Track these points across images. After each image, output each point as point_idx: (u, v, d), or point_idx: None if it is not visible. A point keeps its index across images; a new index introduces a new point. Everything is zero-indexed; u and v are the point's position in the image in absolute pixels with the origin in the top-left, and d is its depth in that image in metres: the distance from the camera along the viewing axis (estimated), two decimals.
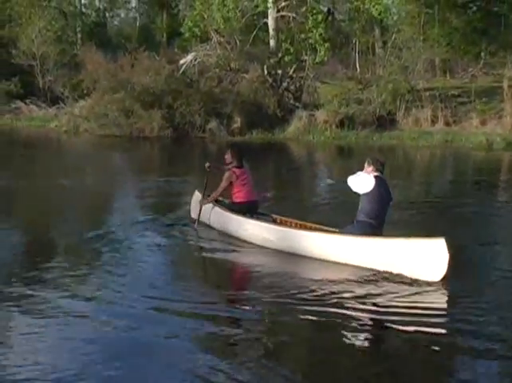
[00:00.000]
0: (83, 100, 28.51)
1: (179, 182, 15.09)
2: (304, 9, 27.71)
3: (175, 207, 11.49)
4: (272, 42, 28.78)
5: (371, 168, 8.09)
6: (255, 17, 30.11)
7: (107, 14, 49.84)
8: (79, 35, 41.41)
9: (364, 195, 7.89)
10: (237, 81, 27.74)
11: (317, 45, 27.19)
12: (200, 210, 9.55)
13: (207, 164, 9.57)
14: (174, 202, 12.23)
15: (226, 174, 9.30)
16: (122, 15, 52.69)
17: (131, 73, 27.17)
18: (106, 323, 5.86)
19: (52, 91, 32.34)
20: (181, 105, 25.51)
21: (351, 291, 6.90)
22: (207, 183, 9.61)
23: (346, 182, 8.10)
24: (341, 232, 8.05)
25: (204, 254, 8.64)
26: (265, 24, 29.17)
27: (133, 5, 50.41)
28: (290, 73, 28.36)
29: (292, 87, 28.80)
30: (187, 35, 29.33)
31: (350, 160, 21.65)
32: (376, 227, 7.85)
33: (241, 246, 8.75)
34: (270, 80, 27.73)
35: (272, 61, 27.72)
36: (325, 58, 28.17)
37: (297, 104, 28.07)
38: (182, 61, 28.32)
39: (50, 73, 32.69)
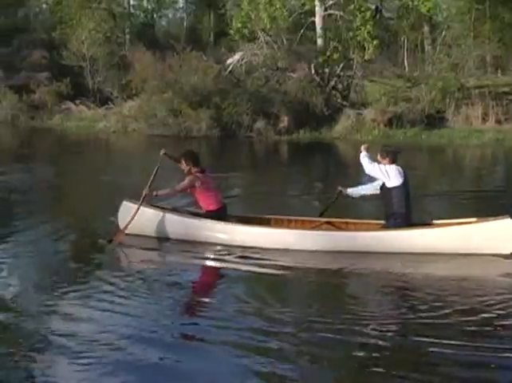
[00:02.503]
0: (131, 101, 28.81)
1: (226, 179, 15.16)
2: (351, 6, 27.48)
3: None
4: (319, 41, 28.63)
5: (386, 160, 8.30)
6: (302, 16, 30.04)
7: (155, 15, 50.27)
8: (127, 36, 41.80)
9: (396, 187, 8.15)
10: (284, 81, 27.69)
11: (365, 43, 26.94)
12: (141, 203, 8.63)
13: (163, 151, 8.92)
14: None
15: (190, 177, 8.78)
16: (170, 16, 53.09)
17: (180, 73, 27.36)
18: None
19: (101, 91, 32.74)
20: (228, 105, 25.59)
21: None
22: (156, 175, 8.81)
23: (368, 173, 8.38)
24: (389, 228, 8.27)
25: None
26: (313, 22, 29.04)
27: (181, 5, 50.71)
28: (338, 71, 28.17)
29: (339, 85, 28.62)
30: (234, 35, 29.35)
31: (399, 160, 21.36)
32: (410, 215, 8.32)
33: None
34: (318, 79, 27.59)
35: (319, 59, 27.58)
36: (373, 56, 27.89)
37: (344, 102, 27.88)
38: (229, 61, 28.41)
39: (99, 73, 33.06)
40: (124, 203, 8.94)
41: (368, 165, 8.33)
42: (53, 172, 16.58)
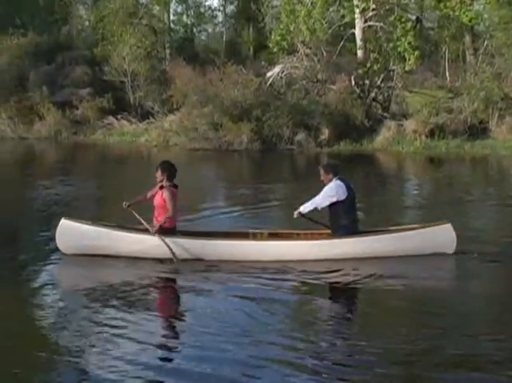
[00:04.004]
0: (172, 115, 29.06)
1: (268, 191, 15.24)
2: (392, 18, 27.36)
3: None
4: (359, 52, 28.54)
5: (330, 175, 8.62)
6: (342, 28, 29.98)
7: (194, 30, 50.69)
8: (167, 51, 42.23)
9: (340, 201, 8.48)
10: (324, 93, 27.67)
11: (405, 54, 26.75)
12: (166, 243, 8.33)
13: (125, 204, 8.73)
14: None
15: (168, 193, 8.55)
16: (209, 30, 53.44)
17: (220, 86, 27.52)
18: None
19: (142, 106, 33.09)
20: (269, 118, 25.62)
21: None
22: (140, 216, 8.66)
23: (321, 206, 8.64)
24: (339, 236, 8.58)
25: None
26: (353, 34, 28.98)
27: (220, 19, 51.05)
28: (378, 82, 28.04)
29: (380, 97, 28.48)
30: (274, 49, 29.43)
31: (440, 171, 21.19)
32: (357, 223, 8.74)
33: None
34: (358, 90, 27.49)
35: (360, 71, 27.49)
36: (414, 67, 27.69)
37: (385, 114, 27.72)
38: (269, 74, 28.48)
39: (140, 88, 33.42)
40: (63, 220, 8.72)
41: (315, 205, 8.66)
42: (95, 185, 16.83)
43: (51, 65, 34.60)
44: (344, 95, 26.87)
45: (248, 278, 7.88)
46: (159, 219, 8.58)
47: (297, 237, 8.96)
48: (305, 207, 8.72)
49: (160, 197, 8.63)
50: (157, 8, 44.37)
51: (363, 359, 5.48)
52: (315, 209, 8.70)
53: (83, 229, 8.61)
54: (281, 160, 24.10)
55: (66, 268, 8.64)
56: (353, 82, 27.51)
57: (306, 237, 8.92)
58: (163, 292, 7.78)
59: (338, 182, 8.55)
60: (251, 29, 46.65)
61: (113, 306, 6.86)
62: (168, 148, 26.83)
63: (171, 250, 8.29)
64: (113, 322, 6.35)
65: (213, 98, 26.67)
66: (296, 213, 8.82)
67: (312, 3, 27.29)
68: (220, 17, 50.85)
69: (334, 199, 8.48)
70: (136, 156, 26.09)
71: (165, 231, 8.46)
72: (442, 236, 8.71)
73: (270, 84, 28.08)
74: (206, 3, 50.26)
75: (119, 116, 32.03)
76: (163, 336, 6.16)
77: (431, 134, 25.44)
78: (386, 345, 5.73)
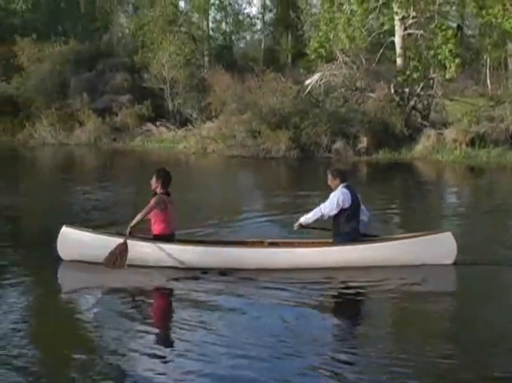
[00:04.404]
0: (211, 122, 29.18)
1: (305, 199, 15.20)
2: (432, 25, 27.09)
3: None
4: (399, 60, 28.33)
5: (338, 180, 8.58)
6: (381, 36, 29.83)
7: (233, 37, 50.98)
8: (206, 58, 42.52)
9: (344, 209, 8.43)
10: (363, 101, 27.50)
11: (446, 62, 26.44)
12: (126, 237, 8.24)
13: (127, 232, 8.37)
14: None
15: (156, 198, 8.55)
16: (247, 37, 53.67)
17: (258, 94, 27.56)
18: None
19: (181, 113, 33.30)
20: (307, 126, 25.54)
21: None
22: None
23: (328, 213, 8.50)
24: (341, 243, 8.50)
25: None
26: (392, 42, 28.79)
27: (258, 27, 51.25)
28: (418, 90, 27.77)
29: (419, 105, 28.20)
30: (312, 56, 29.38)
31: (480, 180, 20.91)
32: (358, 232, 8.60)
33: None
34: (397, 98, 27.26)
35: (399, 79, 27.26)
36: (454, 75, 27.35)
37: (424, 122, 27.43)
38: (307, 82, 28.42)
39: (179, 95, 33.65)
40: (64, 228, 8.62)
41: (321, 215, 8.56)
42: (133, 191, 16.95)
43: (92, 72, 35.05)
44: (384, 103, 26.66)
45: (262, 288, 7.80)
46: (153, 226, 8.58)
47: (298, 246, 8.87)
48: (307, 219, 8.68)
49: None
50: (196, 16, 44.74)
51: (386, 367, 5.40)
52: (320, 218, 8.61)
53: (84, 237, 8.56)
54: (319, 168, 23.91)
55: (79, 274, 8.58)
56: (392, 90, 27.30)
57: (307, 246, 8.84)
58: (180, 301, 7.55)
59: (344, 190, 8.52)
60: (290, 36, 46.74)
61: (131, 315, 6.85)
62: (206, 155, 26.94)
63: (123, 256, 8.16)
64: (139, 331, 6.33)
65: (251, 105, 26.72)
66: (296, 225, 8.80)
67: (351, 11, 27.18)
68: (259, 24, 51.11)
69: (339, 209, 8.48)
70: (174, 163, 26.15)
71: (160, 238, 8.45)
72: (442, 245, 8.55)
73: (309, 92, 28.03)
74: (245, 11, 50.52)
75: (158, 123, 32.28)
76: (195, 345, 6.02)
77: (472, 143, 25.11)
78: (424, 358, 5.63)
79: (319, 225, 8.87)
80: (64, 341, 6.14)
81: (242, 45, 53.61)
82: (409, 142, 26.20)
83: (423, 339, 6.12)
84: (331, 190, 8.72)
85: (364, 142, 25.77)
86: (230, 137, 26.38)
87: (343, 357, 5.66)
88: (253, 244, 8.98)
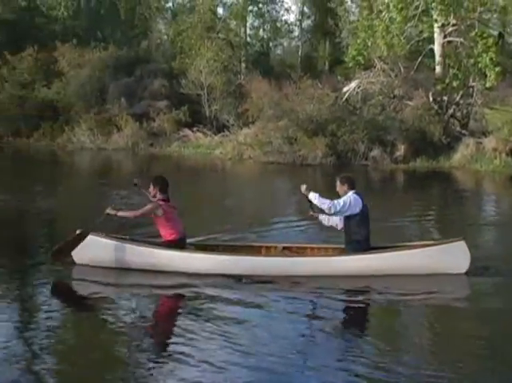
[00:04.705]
0: (247, 128, 29.21)
1: None
2: (473, 33, 26.75)
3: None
4: (438, 68, 28.06)
5: (346, 186, 8.60)
6: (420, 44, 29.58)
7: (270, 44, 51.02)
8: (243, 64, 42.60)
9: (354, 215, 8.41)
10: (401, 108, 27.31)
11: (486, 70, 26.08)
12: (103, 218, 8.50)
13: (136, 181, 8.89)
14: None
15: (152, 204, 8.63)
16: (285, 44, 53.68)
17: (295, 101, 27.52)
18: None
19: (217, 119, 33.41)
20: (344, 133, 25.43)
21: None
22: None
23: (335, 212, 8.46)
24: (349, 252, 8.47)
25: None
26: (431, 50, 28.54)
27: (296, 34, 51.21)
28: (457, 99, 27.46)
29: (458, 113, 27.90)
30: (350, 64, 29.24)
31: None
32: (369, 241, 8.53)
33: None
34: (436, 106, 26.99)
35: (438, 87, 26.99)
36: (495, 83, 26.96)
37: (463, 131, 27.11)
38: (345, 89, 28.30)
39: (216, 101, 33.78)
40: (90, 237, 8.60)
41: (330, 207, 8.42)
42: (170, 196, 16.99)
43: (130, 77, 35.35)
44: (422, 111, 26.43)
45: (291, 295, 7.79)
46: (162, 232, 8.65)
47: (311, 251, 8.90)
48: (317, 198, 8.55)
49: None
50: (234, 22, 44.86)
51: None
52: (326, 209, 8.49)
53: (96, 242, 8.59)
54: (355, 176, 23.73)
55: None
56: (431, 98, 27.04)
57: (320, 252, 8.87)
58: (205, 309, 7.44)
59: (355, 195, 8.53)
60: (327, 43, 46.63)
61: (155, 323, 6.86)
62: (242, 161, 26.97)
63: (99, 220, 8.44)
64: (165, 339, 6.34)
65: (288, 112, 26.70)
66: (304, 189, 8.73)
67: (390, 18, 26.98)
68: (296, 31, 51.07)
69: (347, 212, 8.45)
70: (211, 169, 26.31)
71: (170, 245, 8.49)
72: (455, 254, 8.39)
73: (346, 100, 27.90)
74: (283, 18, 50.45)
75: (194, 129, 32.40)
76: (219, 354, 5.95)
77: None
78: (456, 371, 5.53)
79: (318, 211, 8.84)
80: (87, 345, 6.20)
81: (279, 52, 53.68)
82: (447, 151, 25.91)
83: (457, 355, 6.02)
84: (339, 196, 8.70)
85: (401, 150, 25.57)
86: (266, 144, 26.38)
87: (363, 370, 5.53)
88: (267, 249, 9.02)
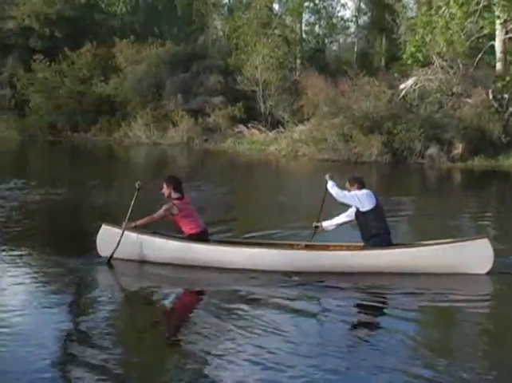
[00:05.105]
0: (302, 125, 29.11)
1: (396, 204, 14.89)
2: None
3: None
4: (499, 65, 27.46)
5: (355, 186, 8.64)
6: (480, 40, 28.96)
7: (326, 40, 50.75)
8: (298, 61, 42.47)
9: (370, 210, 8.43)
10: (459, 106, 26.81)
11: None
12: (121, 236, 8.38)
13: (138, 183, 8.61)
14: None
15: (166, 205, 8.57)
16: (340, 41, 53.35)
17: (351, 98, 27.29)
18: None
19: (272, 115, 33.43)
20: (400, 131, 25.09)
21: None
22: (134, 206, 8.53)
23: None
24: (372, 248, 8.36)
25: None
26: (492, 46, 27.92)
27: (352, 30, 50.85)
28: None
29: None
30: (408, 60, 28.79)
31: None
32: (389, 235, 8.50)
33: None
34: (496, 104, 26.41)
35: (498, 84, 26.39)
36: None
37: None
38: (402, 86, 27.95)
39: (271, 98, 33.79)
40: (104, 227, 8.75)
41: (339, 194, 8.61)
42: (224, 191, 17.12)
43: (186, 73, 35.65)
44: (481, 109, 25.90)
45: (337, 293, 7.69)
46: (183, 229, 8.65)
47: (334, 249, 8.76)
48: (334, 187, 8.67)
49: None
50: (290, 18, 44.76)
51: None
52: (338, 196, 8.62)
53: (126, 235, 8.58)
54: (411, 174, 23.57)
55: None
56: (491, 96, 26.46)
57: (342, 249, 8.74)
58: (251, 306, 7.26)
59: (368, 191, 8.61)
60: (384, 39, 46.13)
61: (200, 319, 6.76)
62: (297, 158, 26.91)
63: (116, 246, 8.33)
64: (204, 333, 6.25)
65: (344, 109, 26.49)
66: (328, 176, 8.92)
67: (450, 14, 26.49)
68: (352, 27, 50.70)
69: (357, 204, 8.50)
70: (265, 165, 26.31)
71: (193, 238, 8.53)
72: (478, 252, 8.04)
73: (403, 97, 27.55)
74: (339, 14, 50.18)
75: (249, 125, 32.50)
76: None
77: None
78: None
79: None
80: (136, 339, 6.23)
81: (334, 48, 53.36)
82: (507, 149, 25.35)
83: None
84: None
85: (459, 148, 25.10)
86: (321, 141, 26.24)
87: (425, 372, 5.35)
88: (290, 246, 8.96)
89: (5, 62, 39.99)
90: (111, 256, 8.42)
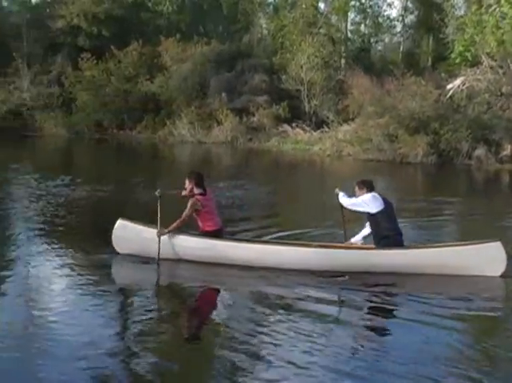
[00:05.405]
0: (347, 125, 28.92)
1: (440, 205, 14.75)
2: None
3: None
4: None
5: (364, 190, 8.72)
6: None
7: (371, 40, 50.32)
8: (343, 60, 42.18)
9: (379, 212, 8.45)
10: (508, 107, 26.30)
11: None
12: (159, 243, 8.49)
13: (158, 191, 8.74)
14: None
15: (190, 201, 8.66)
16: (386, 40, 52.82)
17: (397, 97, 26.99)
18: None
19: (317, 115, 33.29)
20: (447, 131, 24.72)
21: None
22: (160, 212, 8.61)
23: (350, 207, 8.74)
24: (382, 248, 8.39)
25: None
26: None
27: (398, 29, 50.28)
28: None
29: None
30: (457, 60, 28.31)
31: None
32: (400, 236, 8.52)
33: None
34: None
35: None
36: None
37: None
38: (449, 86, 27.52)
39: (316, 97, 33.65)
40: (120, 222, 8.90)
41: (348, 203, 8.81)
42: (268, 191, 17.10)
43: (231, 72, 35.73)
44: None
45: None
46: (200, 224, 8.75)
47: (341, 248, 8.81)
48: (344, 197, 8.92)
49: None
50: (335, 17, 44.47)
51: None
52: (347, 205, 8.84)
53: (138, 230, 8.81)
54: (458, 175, 23.21)
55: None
56: None
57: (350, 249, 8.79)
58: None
59: (374, 194, 8.66)
60: (431, 39, 45.51)
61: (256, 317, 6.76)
62: (341, 158, 26.75)
63: (158, 251, 8.44)
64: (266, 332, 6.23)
65: (389, 109, 26.19)
66: (337, 190, 9.06)
67: (501, 13, 25.96)
68: (398, 27, 50.09)
69: (365, 209, 8.58)
70: (309, 165, 26.21)
71: (207, 234, 8.65)
72: (490, 255, 8.07)
73: (450, 97, 27.11)
74: (385, 13, 49.68)
75: (293, 125, 32.40)
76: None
77: None
78: None
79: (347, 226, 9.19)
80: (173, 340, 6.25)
81: (379, 48, 52.86)
82: None
83: None
84: None
85: (507, 149, 24.67)
86: (366, 141, 26.03)
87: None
88: (300, 246, 8.97)
89: (54, 60, 40.63)
90: (158, 259, 8.48)
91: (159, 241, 8.49)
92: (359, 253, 8.50)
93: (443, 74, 31.83)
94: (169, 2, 45.86)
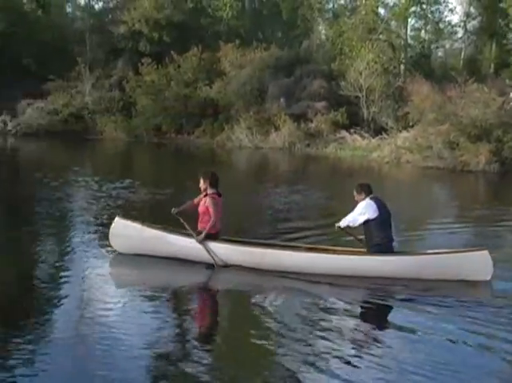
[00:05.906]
0: (406, 132, 28.55)
1: (501, 214, 14.43)
2: None
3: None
4: None
5: (363, 195, 8.70)
6: None
7: (431, 46, 49.61)
8: (402, 67, 41.73)
9: (373, 219, 8.44)
10: None
11: None
12: (208, 249, 8.57)
13: (173, 210, 8.85)
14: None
15: (209, 201, 8.75)
16: (447, 46, 52.01)
17: (459, 104, 26.50)
18: None
19: (375, 122, 33.00)
20: (511, 139, 24.16)
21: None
22: (185, 221, 8.76)
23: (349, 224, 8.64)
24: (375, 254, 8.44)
25: None
26: None
27: (459, 35, 49.45)
28: None
29: None
30: None
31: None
32: (391, 243, 8.59)
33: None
34: None
35: None
36: None
37: None
38: None
39: (375, 104, 33.35)
40: (117, 220, 9.05)
41: (349, 222, 8.68)
42: (324, 196, 17.02)
43: (290, 77, 35.72)
44: None
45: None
46: (202, 225, 8.81)
47: (333, 253, 8.84)
48: (343, 222, 8.80)
49: (203, 204, 8.87)
50: (395, 23, 44.04)
51: None
52: (350, 225, 8.75)
53: (136, 228, 8.92)
54: None
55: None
56: None
57: (341, 254, 8.79)
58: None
59: (369, 201, 8.62)
60: (494, 45, 44.63)
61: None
62: (400, 165, 26.40)
63: (212, 256, 8.56)
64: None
65: (451, 116, 25.75)
66: (336, 226, 8.92)
67: None
68: (460, 33, 49.26)
69: (365, 218, 8.54)
70: (367, 172, 25.91)
71: (209, 237, 8.70)
72: (478, 263, 8.30)
73: None
74: (446, 19, 48.89)
75: (352, 131, 32.17)
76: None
77: None
78: None
79: (359, 236, 8.97)
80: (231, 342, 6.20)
81: (440, 54, 52.09)
82: None
83: None
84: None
85: None
86: (426, 148, 25.65)
87: None
88: (292, 248, 9.06)
89: (116, 65, 41.34)
90: (214, 264, 8.58)
91: (207, 248, 8.60)
92: (346, 258, 8.55)
93: (507, 81, 31.20)
94: (229, 8, 46.14)
